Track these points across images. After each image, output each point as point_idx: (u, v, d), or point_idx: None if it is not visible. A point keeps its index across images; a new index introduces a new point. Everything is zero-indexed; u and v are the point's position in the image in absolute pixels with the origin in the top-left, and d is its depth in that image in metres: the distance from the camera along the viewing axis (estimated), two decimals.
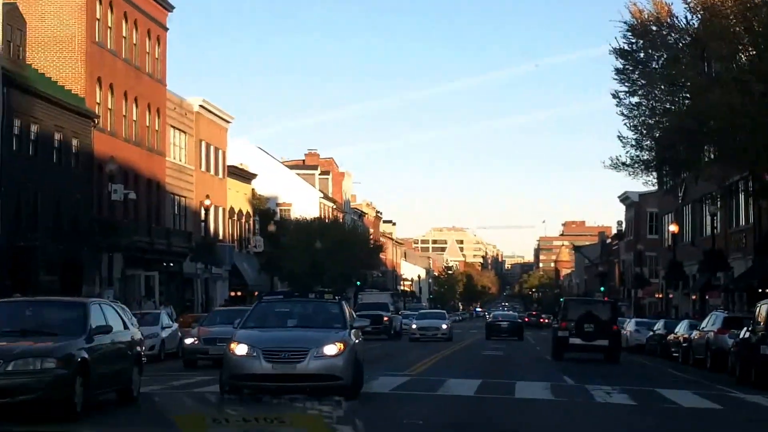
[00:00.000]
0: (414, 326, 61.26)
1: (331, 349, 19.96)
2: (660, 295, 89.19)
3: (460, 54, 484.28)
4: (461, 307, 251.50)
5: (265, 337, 20.58)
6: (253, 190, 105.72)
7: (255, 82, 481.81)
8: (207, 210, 62.64)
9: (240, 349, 19.97)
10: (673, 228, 69.16)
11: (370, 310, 59.03)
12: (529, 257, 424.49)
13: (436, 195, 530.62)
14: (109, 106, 57.88)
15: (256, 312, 22.16)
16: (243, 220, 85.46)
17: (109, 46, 57.90)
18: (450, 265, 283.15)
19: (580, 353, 41.89)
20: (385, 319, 61.74)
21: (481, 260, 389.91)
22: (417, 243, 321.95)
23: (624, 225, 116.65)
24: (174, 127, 68.41)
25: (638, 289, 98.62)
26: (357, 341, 21.52)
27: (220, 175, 78.91)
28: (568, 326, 40.96)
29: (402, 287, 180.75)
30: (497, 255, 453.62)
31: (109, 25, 57.98)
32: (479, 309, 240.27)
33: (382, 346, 51.38)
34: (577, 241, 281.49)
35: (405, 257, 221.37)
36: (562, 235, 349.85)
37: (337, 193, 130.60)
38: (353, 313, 24.26)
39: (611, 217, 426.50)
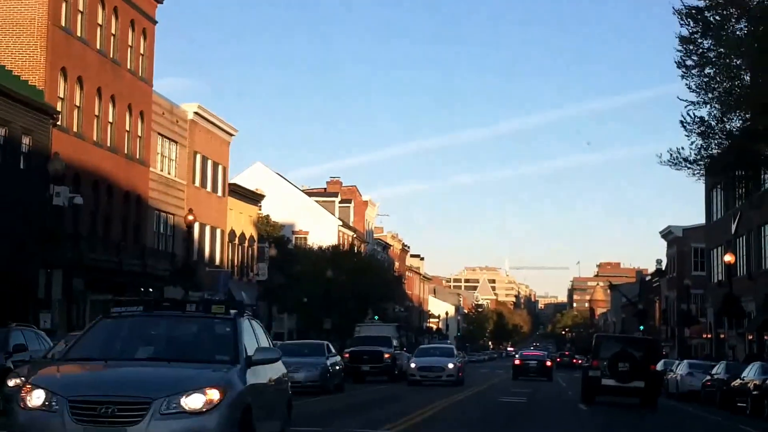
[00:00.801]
0: (413, 365, 48.48)
1: (195, 400, 11.33)
2: (709, 335, 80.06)
3: (502, 96, 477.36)
4: (491, 346, 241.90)
5: (81, 378, 11.90)
6: (266, 216, 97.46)
7: (289, 112, 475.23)
8: (190, 226, 53.53)
9: (34, 398, 11.33)
10: (729, 258, 60.02)
11: (368, 345, 49.89)
12: (563, 297, 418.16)
13: (470, 236, 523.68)
14: (77, 103, 49.35)
15: (93, 334, 13.21)
16: (246, 245, 76.66)
17: (78, 33, 49.43)
18: (480, 302, 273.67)
19: (614, 396, 37.78)
20: (386, 356, 51.00)
21: (513, 299, 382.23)
22: (449, 281, 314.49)
23: (665, 262, 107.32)
24: (162, 135, 59.93)
25: (684, 328, 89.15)
26: (263, 383, 13.07)
27: (220, 193, 70.31)
28: (600, 365, 37.18)
29: (428, 324, 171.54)
30: (530, 295, 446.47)
31: (80, 9, 49.56)
32: (510, 348, 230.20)
33: (377, 390, 42.54)
34: (613, 282, 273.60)
35: (434, 293, 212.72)
36: (596, 275, 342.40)
37: (359, 223, 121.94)
38: (267, 338, 15.04)
39: (647, 259, 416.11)
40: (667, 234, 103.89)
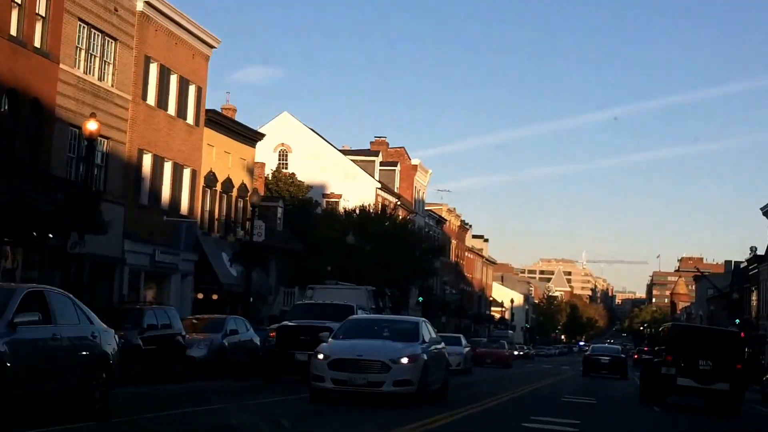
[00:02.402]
0: (320, 356, 22.93)
1: None
2: None
3: (587, 89, 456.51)
4: (564, 340, 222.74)
5: None
6: (291, 174, 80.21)
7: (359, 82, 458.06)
8: (91, 141, 35.05)
9: None
10: None
11: (313, 319, 31.02)
12: (641, 293, 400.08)
13: (546, 227, 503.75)
14: None
15: None
16: (234, 195, 58.77)
17: None
18: (554, 294, 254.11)
19: (690, 398, 32.42)
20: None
21: (589, 293, 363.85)
22: (523, 272, 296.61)
23: (765, 246, 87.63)
24: (88, 23, 42.16)
25: None
26: None
27: (190, 121, 52.48)
28: (676, 361, 31.24)
29: (490, 311, 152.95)
30: (607, 289, 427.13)
31: None
32: (583, 342, 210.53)
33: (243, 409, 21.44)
34: (698, 270, 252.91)
35: (502, 281, 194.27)
36: (677, 270, 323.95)
37: (406, 190, 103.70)
38: None
39: (732, 254, 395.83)
40: None
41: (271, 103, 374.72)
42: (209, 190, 55.02)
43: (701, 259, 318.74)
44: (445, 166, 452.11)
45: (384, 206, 76.10)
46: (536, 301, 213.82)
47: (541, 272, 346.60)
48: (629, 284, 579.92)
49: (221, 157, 56.35)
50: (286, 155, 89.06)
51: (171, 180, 50.01)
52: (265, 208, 60.87)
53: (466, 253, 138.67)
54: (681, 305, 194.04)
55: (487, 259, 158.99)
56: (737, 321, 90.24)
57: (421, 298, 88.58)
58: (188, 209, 51.80)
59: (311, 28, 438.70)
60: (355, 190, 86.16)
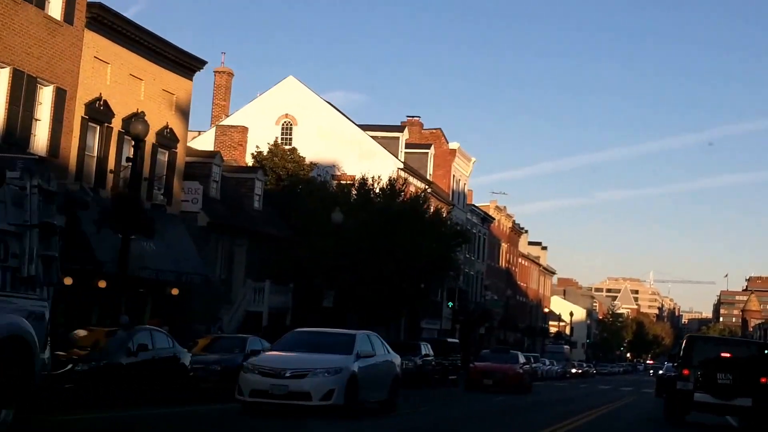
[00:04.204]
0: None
1: None
2: None
3: (658, 114, 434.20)
4: (629, 357, 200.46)
5: None
6: (292, 148, 61.34)
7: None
8: None
9: None
10: None
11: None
12: (708, 313, 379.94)
13: (615, 247, 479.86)
14: None
15: None
16: (151, 142, 38.55)
17: None
18: (620, 311, 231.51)
19: (710, 415, 28.94)
20: None
21: (656, 312, 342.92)
22: (590, 289, 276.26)
23: None
24: None
25: None
26: None
27: (56, 14, 32.67)
28: (693, 375, 27.84)
29: (546, 325, 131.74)
30: (674, 308, 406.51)
31: None
32: (650, 362, 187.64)
33: None
34: (763, 297, 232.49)
35: (564, 295, 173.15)
36: (745, 290, 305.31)
37: (443, 178, 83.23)
38: None
39: None
40: None
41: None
42: (97, 126, 35.14)
43: None
44: (513, 189, 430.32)
45: (392, 179, 55.32)
46: (600, 317, 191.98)
47: (608, 290, 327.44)
48: (696, 304, 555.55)
49: (123, 81, 36.52)
50: (290, 128, 69.15)
51: (8, 96, 30.27)
52: (202, 167, 40.98)
53: (520, 260, 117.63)
54: (753, 322, 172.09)
55: (545, 268, 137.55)
56: None
57: (450, 303, 68.29)
58: (48, 147, 32.05)
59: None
60: (372, 171, 65.44)
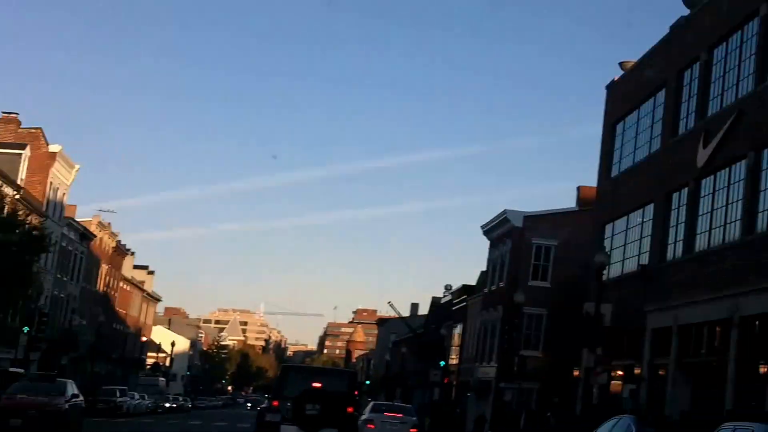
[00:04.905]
0: None
1: None
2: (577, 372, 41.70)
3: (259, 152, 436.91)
4: (230, 390, 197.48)
5: None
6: None
7: None
8: None
9: None
10: None
11: None
12: (313, 346, 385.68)
13: (231, 278, 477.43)
14: None
15: None
16: None
17: None
18: (226, 342, 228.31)
19: None
20: None
21: (263, 343, 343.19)
22: (199, 320, 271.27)
23: (490, 268, 66.57)
24: None
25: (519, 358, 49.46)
26: None
27: None
28: (282, 407, 27.93)
29: (144, 356, 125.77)
30: (281, 340, 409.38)
31: None
32: (252, 394, 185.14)
33: None
34: (368, 329, 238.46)
35: (169, 325, 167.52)
36: (352, 321, 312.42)
37: (38, 186, 75.79)
38: None
39: (406, 300, 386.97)
40: (500, 223, 64.14)
41: None
42: None
43: (375, 311, 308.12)
44: (130, 214, 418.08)
45: None
46: (205, 348, 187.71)
47: (217, 321, 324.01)
48: (304, 336, 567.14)
49: None
50: None
51: None
52: None
53: (122, 284, 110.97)
54: (357, 353, 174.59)
55: (149, 295, 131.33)
56: (442, 363, 69.18)
57: (26, 328, 61.30)
58: None
59: None
60: None
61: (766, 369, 27.09)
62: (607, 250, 44.36)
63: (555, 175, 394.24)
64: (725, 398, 29.43)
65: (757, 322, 28.76)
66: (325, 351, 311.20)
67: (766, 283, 28.07)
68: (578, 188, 64.42)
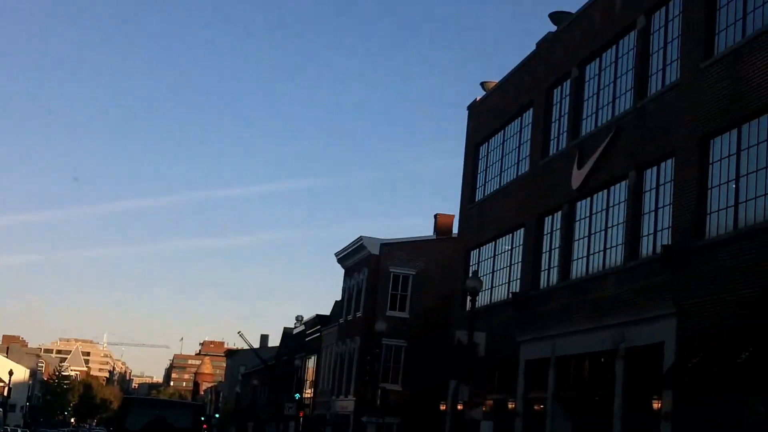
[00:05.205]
0: None
1: None
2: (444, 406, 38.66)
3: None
4: (73, 422, 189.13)
5: None
6: None
7: None
8: None
9: None
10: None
11: None
12: (159, 378, 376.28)
13: (75, 308, 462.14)
14: None
15: None
16: None
17: None
18: (67, 373, 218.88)
19: None
20: None
21: (107, 374, 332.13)
22: (40, 350, 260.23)
23: (345, 297, 63.67)
24: None
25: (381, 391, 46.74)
26: None
27: None
28: None
29: None
30: (126, 372, 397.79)
31: None
32: (96, 427, 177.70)
33: None
34: (216, 362, 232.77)
35: (7, 353, 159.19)
36: (199, 354, 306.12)
37: None
38: None
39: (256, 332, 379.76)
40: (356, 251, 61.51)
41: None
42: None
43: (222, 342, 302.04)
44: None
45: None
46: (46, 378, 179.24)
47: (59, 351, 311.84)
48: (150, 368, 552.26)
49: None
50: None
51: None
52: None
53: None
54: (205, 385, 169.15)
55: None
56: (297, 396, 65.92)
57: None
58: None
59: None
60: None
61: (659, 404, 24.87)
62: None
63: (413, 205, 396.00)
64: None
65: (644, 354, 26.68)
66: (172, 383, 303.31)
67: (655, 311, 26.02)
68: (435, 216, 62.25)
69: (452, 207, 46.80)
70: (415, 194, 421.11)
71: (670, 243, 25.76)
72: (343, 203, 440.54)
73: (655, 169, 27.75)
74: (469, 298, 31.91)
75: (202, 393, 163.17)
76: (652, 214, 27.52)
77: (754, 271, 21.96)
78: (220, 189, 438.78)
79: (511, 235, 38.09)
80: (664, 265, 25.76)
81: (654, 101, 28.24)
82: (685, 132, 26.06)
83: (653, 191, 27.69)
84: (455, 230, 62.59)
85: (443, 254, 59.21)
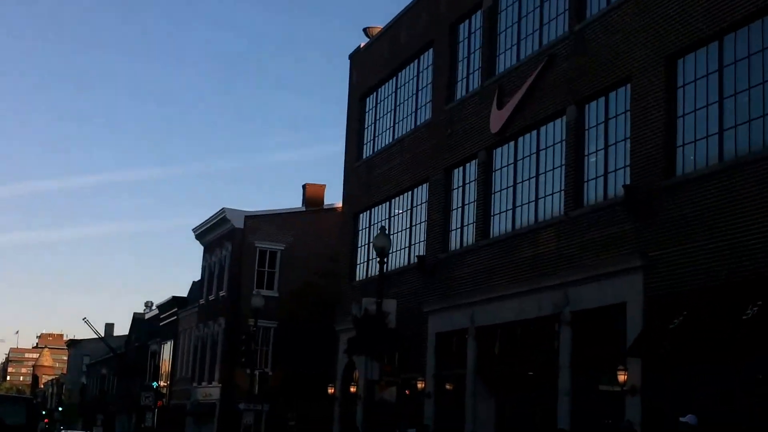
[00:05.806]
0: None
1: None
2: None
3: None
4: None
5: None
6: None
7: None
8: None
9: None
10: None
11: None
12: None
13: None
14: None
15: None
16: None
17: None
18: None
19: None
20: None
21: None
22: None
23: (206, 275, 57.63)
24: None
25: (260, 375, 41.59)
26: None
27: None
28: None
29: None
30: None
31: None
32: None
33: None
34: (56, 354, 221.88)
35: None
36: (36, 347, 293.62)
37: None
38: None
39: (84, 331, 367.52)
40: (218, 223, 55.75)
41: None
42: None
43: (62, 335, 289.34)
44: None
45: None
46: None
47: None
48: None
49: None
50: None
51: None
52: None
53: None
54: (45, 378, 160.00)
55: None
56: (155, 384, 59.76)
57: None
58: None
59: None
60: None
61: (625, 376, 20.36)
62: (360, 244, 37.29)
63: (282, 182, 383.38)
64: (557, 415, 22.71)
65: (597, 317, 22.19)
66: (9, 378, 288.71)
67: (609, 267, 21.56)
68: (304, 186, 57.01)
69: (323, 177, 41.25)
70: (284, 169, 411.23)
71: (629, 183, 21.34)
72: (203, 187, 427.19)
73: (602, 100, 23.27)
74: (377, 259, 26.77)
75: (42, 386, 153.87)
76: (601, 152, 23.05)
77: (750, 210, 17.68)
78: (51, 179, 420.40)
79: (410, 192, 33.17)
80: (626, 211, 21.29)
81: (597, 22, 23.76)
82: (644, 53, 21.66)
83: (601, 126, 23.21)
84: (327, 201, 57.63)
85: (314, 227, 54.05)
